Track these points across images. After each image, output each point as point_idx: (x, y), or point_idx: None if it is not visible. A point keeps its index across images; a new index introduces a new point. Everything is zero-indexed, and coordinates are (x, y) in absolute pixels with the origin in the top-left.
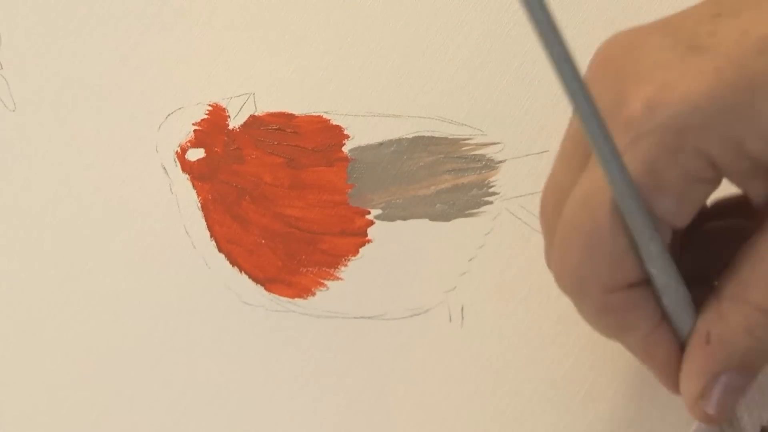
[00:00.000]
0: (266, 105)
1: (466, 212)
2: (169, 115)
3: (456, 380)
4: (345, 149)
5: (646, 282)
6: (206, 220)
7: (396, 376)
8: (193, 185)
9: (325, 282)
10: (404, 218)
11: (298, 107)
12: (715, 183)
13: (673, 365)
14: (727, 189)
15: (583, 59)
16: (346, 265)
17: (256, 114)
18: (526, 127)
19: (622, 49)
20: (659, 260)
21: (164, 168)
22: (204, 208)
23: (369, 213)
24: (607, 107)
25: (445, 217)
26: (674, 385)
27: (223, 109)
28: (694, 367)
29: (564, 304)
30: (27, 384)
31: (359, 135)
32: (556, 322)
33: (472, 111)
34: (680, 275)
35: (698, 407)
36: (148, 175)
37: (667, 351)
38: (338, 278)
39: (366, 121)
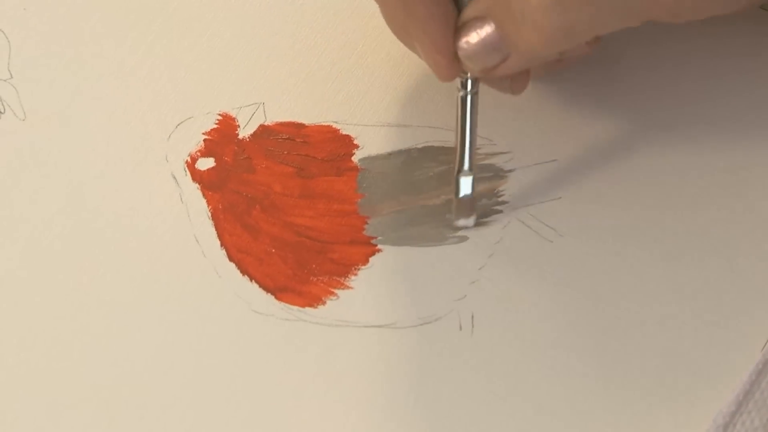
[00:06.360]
0: (276, 115)
1: (476, 221)
2: (178, 124)
3: (466, 389)
4: (355, 159)
5: None
6: (216, 229)
7: (406, 385)
8: (204, 194)
9: (336, 291)
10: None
11: (307, 117)
12: None
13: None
14: None
15: None
16: (356, 274)
17: (265, 123)
18: (535, 137)
19: None
20: None
21: (174, 177)
22: (214, 217)
23: None
24: None
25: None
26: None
27: (233, 119)
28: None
29: (575, 310)
30: (36, 393)
31: (369, 145)
32: (567, 329)
33: (481, 120)
34: None
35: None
36: (158, 184)
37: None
38: (348, 287)
39: (375, 131)
